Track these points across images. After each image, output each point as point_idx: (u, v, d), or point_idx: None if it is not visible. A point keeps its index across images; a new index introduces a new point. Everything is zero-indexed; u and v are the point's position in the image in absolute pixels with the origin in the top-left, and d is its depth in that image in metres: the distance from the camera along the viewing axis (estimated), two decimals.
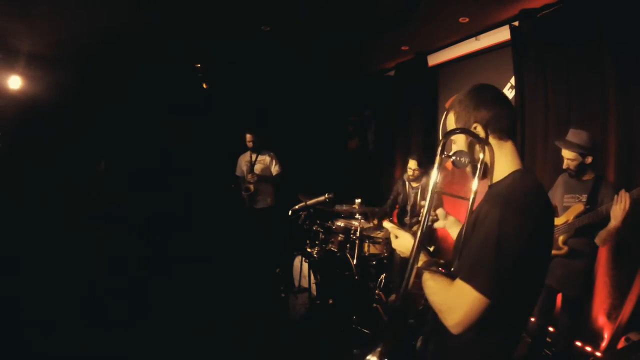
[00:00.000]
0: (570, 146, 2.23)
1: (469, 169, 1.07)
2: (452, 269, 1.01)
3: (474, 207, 1.04)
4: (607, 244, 2.13)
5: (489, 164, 1.05)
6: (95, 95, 4.51)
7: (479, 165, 1.03)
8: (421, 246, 1.00)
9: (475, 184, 1.03)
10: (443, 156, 0.99)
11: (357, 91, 6.02)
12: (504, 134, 1.04)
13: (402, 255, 1.18)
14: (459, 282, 0.91)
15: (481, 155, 1.02)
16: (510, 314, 0.94)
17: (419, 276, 1.02)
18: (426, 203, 0.99)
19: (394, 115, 5.13)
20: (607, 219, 2.05)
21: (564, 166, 2.29)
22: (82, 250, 3.79)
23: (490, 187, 1.07)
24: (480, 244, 0.91)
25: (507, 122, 1.03)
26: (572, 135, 2.26)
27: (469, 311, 0.87)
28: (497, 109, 1.02)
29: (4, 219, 3.78)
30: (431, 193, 0.99)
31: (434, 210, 1.30)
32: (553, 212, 1.01)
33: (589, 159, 2.21)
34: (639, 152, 2.48)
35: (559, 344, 2.40)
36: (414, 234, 1.13)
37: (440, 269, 1.01)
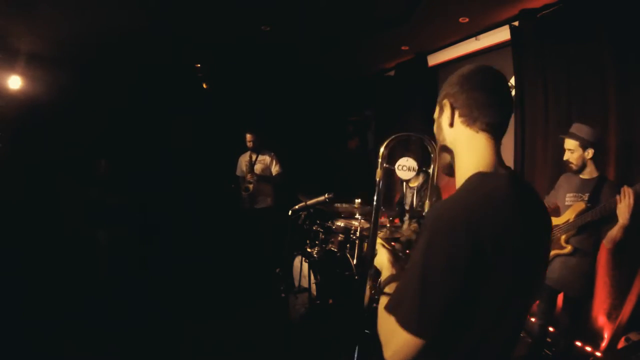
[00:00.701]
0: (571, 136, 2.24)
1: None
2: None
3: None
4: (616, 242, 2.11)
5: (454, 165, 0.90)
6: (95, 95, 4.52)
7: (432, 171, 0.87)
8: (369, 263, 0.89)
9: (428, 195, 0.90)
10: (385, 166, 0.87)
11: (357, 91, 6.02)
12: (479, 126, 0.85)
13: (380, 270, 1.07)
14: (386, 315, 0.77)
15: (432, 166, 0.87)
16: (475, 346, 0.76)
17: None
18: (371, 225, 0.88)
19: (394, 115, 5.13)
20: (609, 215, 2.04)
21: (564, 158, 2.29)
22: (82, 250, 3.79)
23: None
24: (407, 270, 0.76)
25: (486, 114, 0.84)
26: (575, 128, 2.28)
27: (399, 349, 0.73)
28: (479, 94, 0.84)
29: (4, 219, 3.78)
30: (375, 210, 0.87)
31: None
32: (531, 221, 0.79)
33: (590, 152, 2.20)
34: (639, 152, 2.48)
35: (559, 344, 2.40)
36: (392, 247, 1.05)
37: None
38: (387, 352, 0.76)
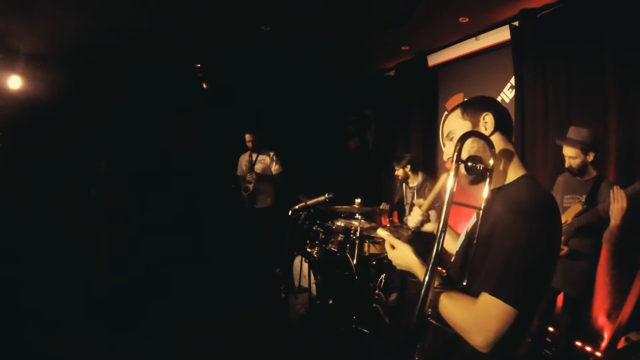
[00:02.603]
0: (571, 143, 2.21)
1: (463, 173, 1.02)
2: (464, 283, 0.96)
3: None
4: (613, 242, 2.11)
5: (501, 167, 1.04)
6: (95, 95, 4.52)
7: (488, 173, 1.01)
8: (434, 272, 0.89)
9: (486, 191, 0.97)
10: (459, 163, 0.93)
11: (357, 91, 6.02)
12: (508, 136, 1.06)
13: (398, 267, 1.10)
14: (486, 298, 0.86)
15: (491, 161, 0.99)
16: (524, 322, 0.92)
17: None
18: (441, 218, 0.90)
19: (394, 115, 5.14)
20: (606, 218, 2.04)
21: (566, 165, 2.27)
22: (82, 250, 3.79)
23: (494, 192, 1.01)
24: (508, 254, 0.87)
25: (510, 127, 1.07)
26: (573, 132, 2.25)
27: (501, 326, 0.84)
28: (502, 111, 1.07)
29: (4, 219, 3.78)
30: (447, 206, 0.90)
31: (427, 211, 1.19)
32: (560, 215, 1.01)
33: (591, 156, 2.19)
34: (639, 152, 2.48)
35: (559, 344, 2.40)
36: (413, 246, 1.07)
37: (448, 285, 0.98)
38: (486, 336, 0.85)
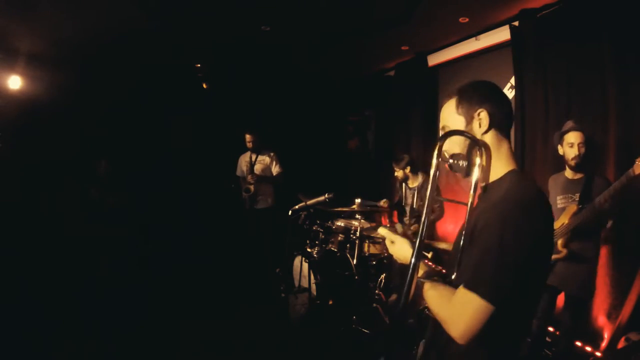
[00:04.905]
0: (578, 128, 2.25)
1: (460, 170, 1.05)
2: (453, 277, 0.98)
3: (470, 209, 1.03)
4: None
5: (484, 163, 1.03)
6: (96, 95, 4.52)
7: (476, 169, 1.00)
8: (420, 255, 0.96)
9: (472, 187, 0.99)
10: (439, 160, 0.95)
11: (357, 91, 6.02)
12: (503, 131, 1.03)
13: (398, 261, 1.17)
14: (462, 291, 0.88)
15: (477, 160, 1.00)
16: (510, 320, 0.92)
17: (418, 285, 1.00)
18: (424, 213, 0.94)
19: (394, 115, 5.13)
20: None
21: (572, 156, 2.27)
22: (82, 250, 3.79)
23: (484, 188, 1.04)
24: (483, 250, 0.89)
25: (506, 121, 1.04)
26: (573, 122, 2.31)
27: (475, 320, 0.85)
28: (500, 104, 1.03)
29: (3, 219, 3.77)
30: (428, 201, 0.95)
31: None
32: (552, 212, 1.00)
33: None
34: (638, 152, 2.48)
35: (559, 344, 2.40)
36: (410, 240, 1.12)
37: (438, 278, 1.00)
38: (461, 327, 0.86)
